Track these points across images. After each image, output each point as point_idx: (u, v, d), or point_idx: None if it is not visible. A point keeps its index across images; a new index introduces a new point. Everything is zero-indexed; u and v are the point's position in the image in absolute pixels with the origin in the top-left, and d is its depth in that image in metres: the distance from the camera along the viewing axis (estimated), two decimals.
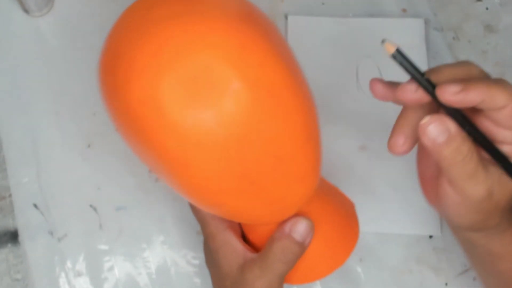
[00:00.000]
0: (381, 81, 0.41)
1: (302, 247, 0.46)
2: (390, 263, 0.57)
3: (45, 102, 0.62)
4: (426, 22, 0.64)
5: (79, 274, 0.57)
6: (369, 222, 0.58)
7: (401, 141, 0.41)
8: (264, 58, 0.39)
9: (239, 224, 0.49)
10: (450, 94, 0.37)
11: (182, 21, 0.39)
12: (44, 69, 0.63)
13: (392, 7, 0.65)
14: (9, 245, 0.58)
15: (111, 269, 0.57)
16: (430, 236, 0.58)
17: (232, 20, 0.39)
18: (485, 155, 0.40)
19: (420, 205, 0.58)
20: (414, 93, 0.39)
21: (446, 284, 0.57)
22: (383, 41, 0.38)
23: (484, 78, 0.40)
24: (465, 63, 0.41)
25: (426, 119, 0.38)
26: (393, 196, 0.59)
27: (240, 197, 0.42)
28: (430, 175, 0.45)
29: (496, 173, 0.40)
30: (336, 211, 0.50)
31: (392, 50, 0.38)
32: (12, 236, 0.58)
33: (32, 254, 0.57)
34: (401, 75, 0.40)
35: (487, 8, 0.66)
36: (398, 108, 0.42)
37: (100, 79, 0.42)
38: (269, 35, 0.41)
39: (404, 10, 0.65)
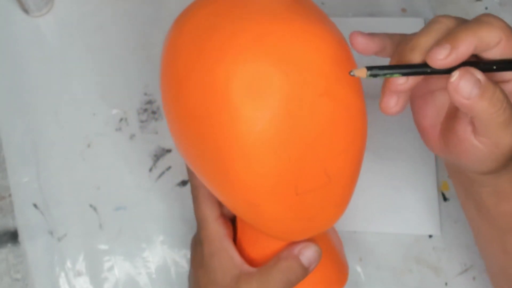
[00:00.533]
0: (361, 33, 0.41)
1: (306, 272, 0.46)
2: (390, 262, 0.57)
3: (45, 102, 0.62)
4: (426, 21, 0.64)
5: (79, 274, 0.57)
6: (369, 222, 0.58)
7: (393, 101, 0.40)
8: (348, 78, 0.40)
9: (235, 235, 0.49)
10: (441, 60, 0.36)
11: (291, 19, 0.39)
12: (44, 69, 0.63)
13: (391, 6, 0.65)
14: (9, 245, 0.58)
15: (111, 269, 0.57)
16: (430, 236, 0.58)
17: (331, 34, 0.41)
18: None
19: (420, 205, 0.58)
20: (406, 84, 0.39)
21: (446, 283, 0.57)
22: (351, 73, 0.38)
23: (464, 24, 0.38)
24: (434, 22, 0.39)
25: (456, 75, 0.37)
26: (393, 196, 0.59)
27: (278, 203, 0.41)
28: (429, 124, 0.44)
29: None
30: (335, 247, 0.51)
31: (365, 73, 0.38)
32: (12, 236, 0.58)
33: (32, 254, 0.57)
34: None
35: (486, 8, 0.66)
36: None
37: (177, 46, 0.42)
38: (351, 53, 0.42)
39: (403, 10, 0.65)
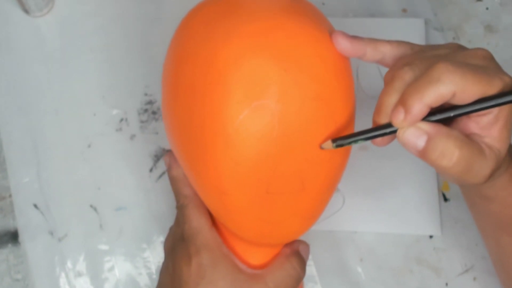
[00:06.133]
0: (342, 35, 0.42)
1: (305, 265, 0.48)
2: (390, 263, 0.57)
3: (45, 102, 0.62)
4: (427, 22, 0.64)
5: (79, 274, 0.57)
6: (369, 222, 0.58)
7: (379, 139, 0.42)
8: (342, 88, 0.41)
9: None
10: (402, 122, 0.38)
11: (299, 20, 0.41)
12: (44, 69, 0.63)
13: (392, 7, 0.65)
14: (10, 245, 0.58)
15: (111, 269, 0.57)
16: (431, 236, 0.58)
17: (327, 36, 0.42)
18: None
19: (420, 205, 0.58)
20: (385, 140, 0.41)
21: (447, 284, 0.57)
22: (322, 147, 0.40)
23: (414, 85, 0.39)
24: (395, 79, 0.40)
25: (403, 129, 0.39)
26: (393, 196, 0.58)
27: (247, 196, 0.42)
28: None
29: (498, 143, 0.39)
30: None
31: (331, 145, 0.40)
32: (13, 236, 0.58)
33: (32, 254, 0.57)
34: None
35: (487, 8, 0.66)
36: None
37: (189, 26, 0.43)
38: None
39: (404, 10, 0.65)
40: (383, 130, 0.39)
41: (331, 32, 0.42)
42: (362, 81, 0.62)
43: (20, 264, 0.58)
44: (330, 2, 0.65)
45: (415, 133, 0.38)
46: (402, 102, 0.38)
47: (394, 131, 0.39)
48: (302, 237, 0.48)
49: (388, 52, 0.42)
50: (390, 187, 0.59)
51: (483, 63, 0.39)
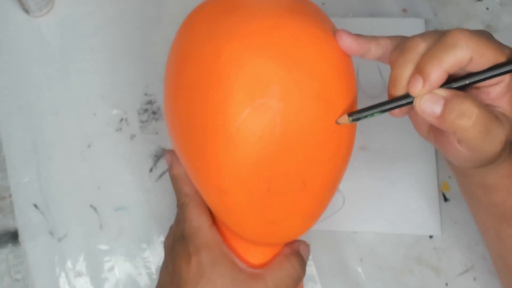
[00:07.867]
0: (346, 33, 0.42)
1: (305, 265, 0.47)
2: (390, 263, 0.57)
3: (45, 102, 0.62)
4: (427, 22, 0.64)
5: (79, 274, 0.57)
6: (369, 222, 0.58)
7: (397, 110, 0.42)
8: (344, 87, 0.41)
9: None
10: (420, 90, 0.38)
11: (301, 20, 0.41)
12: (44, 69, 0.63)
13: (392, 7, 0.65)
14: (9, 245, 0.58)
15: (111, 269, 0.57)
16: (431, 236, 0.58)
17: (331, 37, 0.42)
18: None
19: (421, 206, 0.58)
20: (403, 111, 0.40)
21: (447, 284, 0.57)
22: (338, 122, 0.41)
23: (430, 52, 0.39)
24: (407, 50, 0.40)
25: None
26: (393, 196, 0.58)
27: (248, 195, 0.42)
28: (425, 127, 0.45)
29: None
30: None
31: (347, 119, 0.40)
32: (12, 236, 0.58)
33: (32, 254, 0.57)
34: None
35: (487, 8, 0.66)
36: None
37: (192, 24, 0.43)
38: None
39: (404, 10, 0.65)
40: (399, 102, 0.39)
41: (333, 31, 0.42)
42: (362, 81, 0.62)
43: (20, 264, 0.58)
44: (330, 2, 0.65)
45: (431, 99, 0.38)
46: (420, 70, 0.38)
47: (410, 102, 0.39)
48: (302, 237, 0.48)
49: (390, 47, 0.42)
50: (390, 187, 0.59)
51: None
